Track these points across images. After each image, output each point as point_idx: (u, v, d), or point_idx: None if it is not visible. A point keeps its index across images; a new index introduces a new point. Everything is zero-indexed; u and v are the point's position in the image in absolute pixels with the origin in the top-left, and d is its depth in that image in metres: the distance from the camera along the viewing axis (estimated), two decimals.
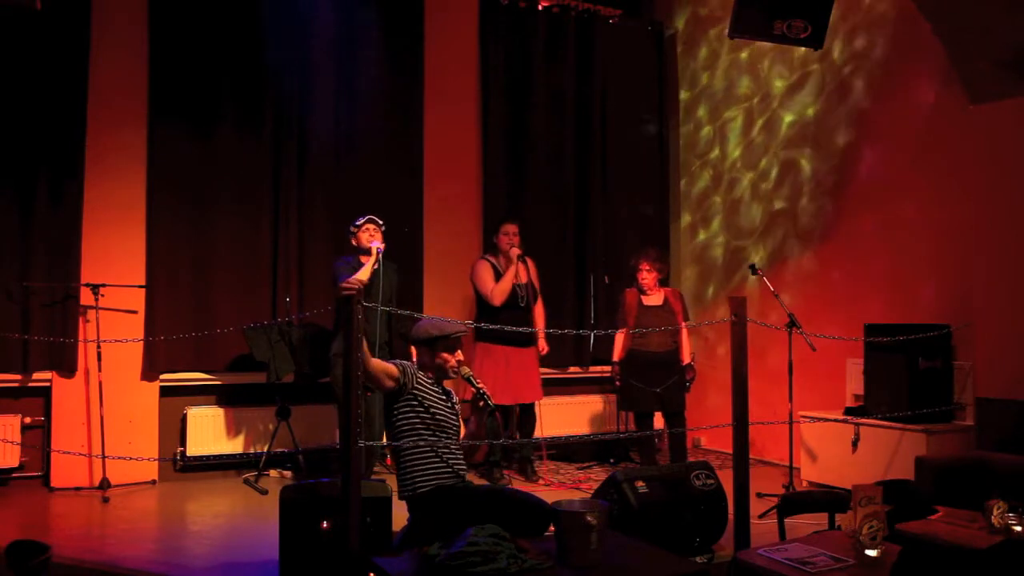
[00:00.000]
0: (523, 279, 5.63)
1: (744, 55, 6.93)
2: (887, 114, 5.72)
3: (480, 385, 3.70)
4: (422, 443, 3.61)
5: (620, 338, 5.61)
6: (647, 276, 5.58)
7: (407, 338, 4.76)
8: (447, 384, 3.89)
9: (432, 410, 3.66)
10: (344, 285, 3.11)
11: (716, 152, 7.21)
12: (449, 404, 3.79)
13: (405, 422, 3.64)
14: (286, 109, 6.02)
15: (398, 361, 3.70)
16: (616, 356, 5.65)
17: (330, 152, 6.17)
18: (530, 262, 5.77)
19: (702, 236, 7.32)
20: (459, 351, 3.80)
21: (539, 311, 5.79)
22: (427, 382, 3.73)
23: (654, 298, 5.61)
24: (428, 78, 6.50)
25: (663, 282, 5.71)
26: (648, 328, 5.40)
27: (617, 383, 5.69)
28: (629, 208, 7.24)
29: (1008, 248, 4.86)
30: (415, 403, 3.64)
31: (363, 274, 5.06)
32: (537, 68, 6.90)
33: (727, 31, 5.02)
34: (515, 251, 5.56)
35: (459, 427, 3.83)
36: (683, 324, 5.60)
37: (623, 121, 7.25)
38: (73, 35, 5.47)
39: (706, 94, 7.32)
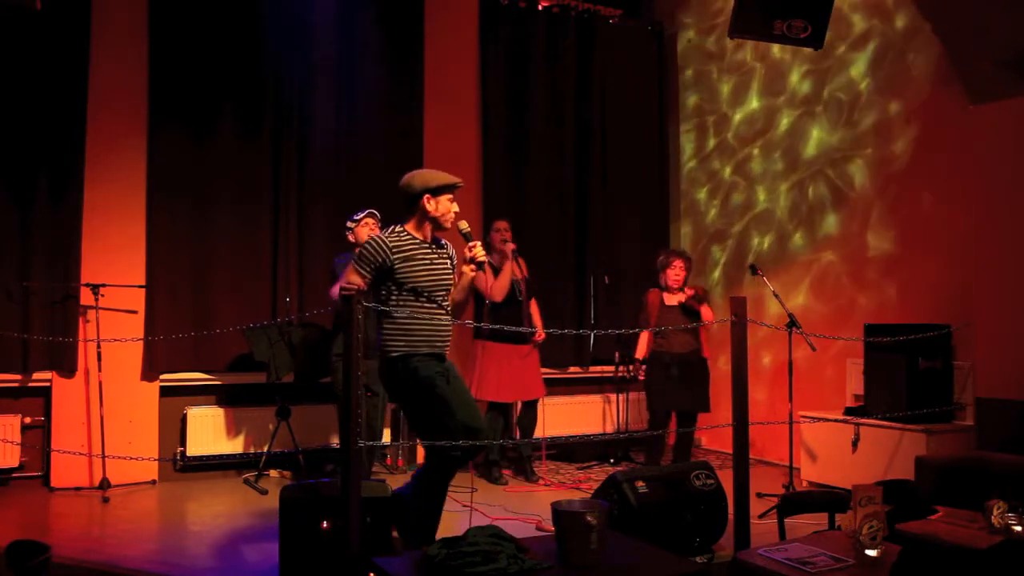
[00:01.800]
0: (520, 274, 5.66)
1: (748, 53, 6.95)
2: (887, 114, 5.72)
3: (474, 243, 3.61)
4: (397, 310, 3.54)
5: (644, 337, 5.59)
6: (680, 274, 5.51)
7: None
8: (443, 238, 3.76)
9: (410, 284, 3.54)
10: (344, 286, 3.12)
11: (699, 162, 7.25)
12: (441, 260, 3.66)
13: (383, 293, 3.57)
14: (286, 109, 6.02)
15: (356, 260, 3.55)
16: (639, 354, 5.64)
17: (330, 152, 6.17)
18: (521, 260, 5.80)
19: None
20: (455, 202, 3.68)
21: (534, 306, 5.83)
22: (411, 244, 3.59)
23: (676, 298, 5.58)
24: (428, 78, 6.50)
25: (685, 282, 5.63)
26: (669, 327, 5.37)
27: (641, 377, 5.67)
28: (629, 208, 7.24)
29: (1008, 248, 4.86)
30: (394, 281, 3.54)
31: None
32: (537, 68, 6.90)
33: (728, 31, 5.03)
34: (510, 246, 5.56)
35: (450, 285, 3.69)
36: (705, 322, 5.47)
37: (623, 121, 7.25)
38: (73, 35, 5.47)
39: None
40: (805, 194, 6.33)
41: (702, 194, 7.33)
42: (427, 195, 3.61)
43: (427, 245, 3.65)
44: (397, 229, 3.63)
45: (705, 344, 5.57)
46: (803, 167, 6.36)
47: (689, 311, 5.48)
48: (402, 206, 3.71)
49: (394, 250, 3.54)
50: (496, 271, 5.56)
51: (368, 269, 3.53)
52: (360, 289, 3.16)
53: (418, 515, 3.65)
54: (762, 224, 6.70)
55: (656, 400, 5.54)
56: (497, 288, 5.53)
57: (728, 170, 7.08)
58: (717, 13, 7.21)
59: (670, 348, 5.46)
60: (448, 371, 3.65)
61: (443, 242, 3.77)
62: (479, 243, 3.65)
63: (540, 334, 5.71)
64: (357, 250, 3.67)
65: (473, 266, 3.62)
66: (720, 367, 6.80)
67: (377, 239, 3.57)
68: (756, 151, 6.81)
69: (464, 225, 3.71)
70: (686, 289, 5.51)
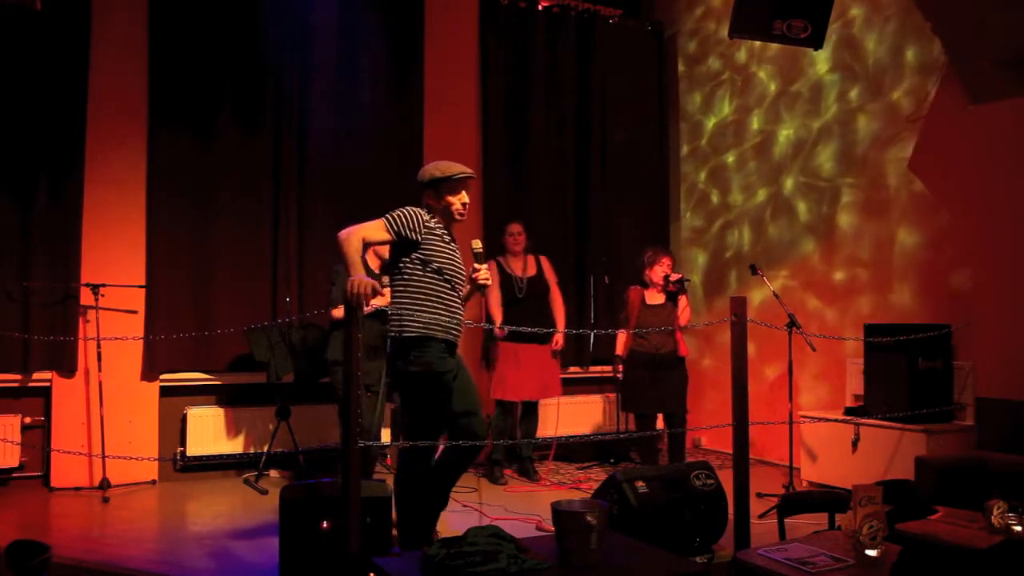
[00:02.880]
0: (530, 272, 5.71)
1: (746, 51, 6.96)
2: (887, 114, 5.72)
3: (480, 267, 3.65)
4: (414, 289, 3.56)
5: (622, 336, 5.63)
6: (667, 272, 5.50)
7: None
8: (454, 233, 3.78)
9: (436, 263, 3.56)
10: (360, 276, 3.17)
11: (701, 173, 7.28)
12: (456, 252, 3.69)
13: (407, 269, 3.58)
14: (286, 109, 6.02)
15: (389, 216, 3.55)
16: (618, 351, 5.68)
17: (330, 152, 6.17)
18: (543, 259, 5.86)
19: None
20: (464, 192, 3.69)
21: (558, 306, 5.83)
22: (437, 229, 3.62)
23: (657, 297, 5.59)
24: (428, 78, 6.50)
25: None
26: (648, 328, 5.39)
27: (618, 374, 5.70)
28: (629, 208, 7.25)
29: (1008, 248, 4.86)
30: (420, 257, 3.55)
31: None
32: (537, 68, 6.90)
33: (727, 31, 5.03)
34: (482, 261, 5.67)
35: (463, 280, 3.71)
36: (680, 323, 5.49)
37: (623, 121, 7.25)
38: (73, 35, 5.47)
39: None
40: (800, 195, 6.33)
41: (680, 195, 7.46)
42: (427, 189, 3.66)
43: (448, 233, 3.69)
44: (424, 208, 3.66)
45: (682, 342, 5.56)
46: (793, 168, 6.36)
47: (671, 296, 5.50)
48: (411, 202, 3.74)
49: (425, 224, 3.56)
50: (504, 275, 5.62)
51: (395, 231, 3.52)
52: (364, 289, 3.15)
53: (405, 513, 3.65)
54: (751, 225, 6.70)
55: (632, 401, 5.56)
56: (491, 303, 5.60)
57: (702, 175, 7.22)
58: (700, 17, 7.28)
59: (648, 348, 5.48)
60: (458, 366, 3.67)
61: (478, 253, 3.77)
62: (485, 267, 3.69)
63: (558, 340, 5.72)
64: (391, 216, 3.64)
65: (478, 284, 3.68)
66: (705, 365, 6.86)
67: (413, 209, 3.57)
68: (735, 155, 6.84)
69: (477, 245, 3.71)
70: (671, 275, 5.48)
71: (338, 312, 4.98)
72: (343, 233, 3.46)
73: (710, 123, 7.20)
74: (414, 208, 3.59)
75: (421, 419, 3.61)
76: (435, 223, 3.63)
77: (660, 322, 5.45)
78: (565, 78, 7.01)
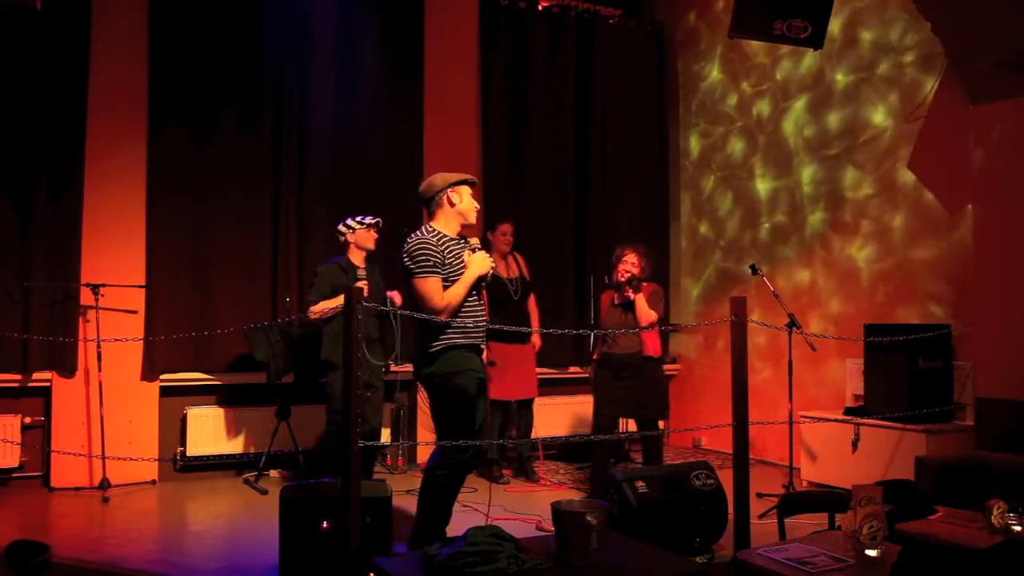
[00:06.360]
0: (513, 272, 5.72)
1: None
2: (886, 113, 5.72)
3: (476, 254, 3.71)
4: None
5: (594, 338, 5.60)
6: (631, 269, 5.01)
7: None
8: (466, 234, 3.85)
9: (454, 277, 3.62)
10: (442, 306, 3.35)
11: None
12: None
13: None
14: (286, 109, 6.02)
15: (417, 267, 3.57)
16: (595, 354, 5.59)
17: (330, 152, 6.17)
18: (520, 257, 5.84)
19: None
20: (472, 196, 3.79)
21: (532, 306, 5.85)
22: (446, 239, 3.68)
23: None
24: (428, 78, 6.51)
25: (647, 279, 5.17)
26: (611, 328, 5.02)
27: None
28: (629, 208, 7.24)
29: (1008, 248, 4.86)
30: (444, 278, 3.60)
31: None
32: (537, 68, 6.91)
33: (728, 31, 5.03)
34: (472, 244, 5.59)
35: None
36: (640, 322, 4.95)
37: (623, 121, 7.25)
38: (73, 36, 5.47)
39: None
40: (799, 195, 6.33)
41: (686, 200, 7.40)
42: (450, 189, 3.70)
43: (455, 240, 3.72)
44: (427, 229, 3.70)
45: (648, 342, 5.02)
46: (795, 167, 6.36)
47: (625, 303, 5.03)
48: (424, 209, 3.82)
49: (439, 246, 3.62)
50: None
51: (437, 268, 3.58)
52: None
53: (423, 514, 3.65)
54: (754, 224, 6.70)
55: (599, 406, 5.13)
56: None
57: (702, 174, 7.13)
58: (701, 17, 7.27)
59: (613, 350, 5.04)
60: (482, 376, 3.69)
61: (467, 238, 3.82)
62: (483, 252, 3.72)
63: (536, 341, 5.71)
64: (409, 260, 3.63)
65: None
66: (703, 365, 6.84)
67: (419, 241, 3.62)
68: (738, 147, 6.83)
69: (475, 242, 3.77)
70: (620, 278, 5.03)
71: (316, 310, 4.98)
72: (442, 313, 3.54)
73: (709, 123, 7.20)
74: (420, 240, 3.62)
75: (448, 422, 3.63)
76: (440, 235, 3.68)
77: (620, 322, 5.05)
78: (565, 78, 7.01)
